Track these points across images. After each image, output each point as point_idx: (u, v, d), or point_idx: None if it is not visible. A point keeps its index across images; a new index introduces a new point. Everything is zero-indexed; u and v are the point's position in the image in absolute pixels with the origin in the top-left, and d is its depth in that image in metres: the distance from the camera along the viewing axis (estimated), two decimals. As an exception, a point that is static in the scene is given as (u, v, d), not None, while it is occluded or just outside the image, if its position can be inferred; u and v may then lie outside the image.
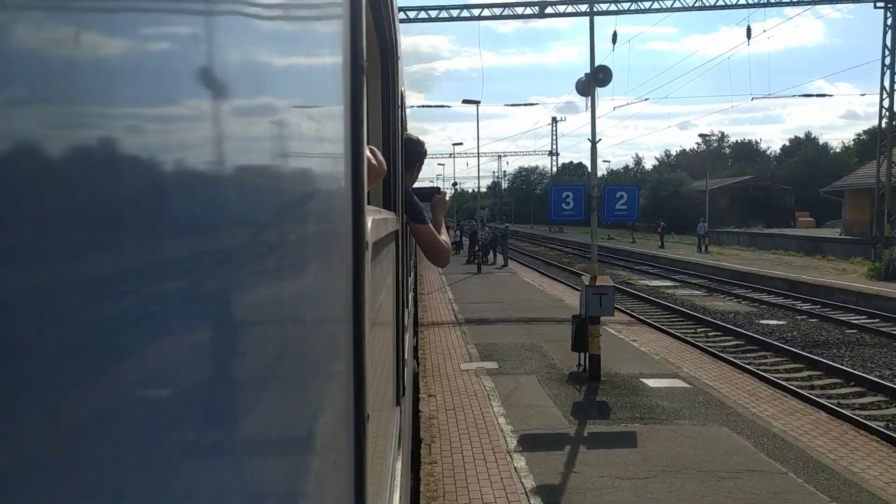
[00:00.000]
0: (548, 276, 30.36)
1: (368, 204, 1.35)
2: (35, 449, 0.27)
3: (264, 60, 0.64)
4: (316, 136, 0.88)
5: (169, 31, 0.41)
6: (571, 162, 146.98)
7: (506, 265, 32.36)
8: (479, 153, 43.07)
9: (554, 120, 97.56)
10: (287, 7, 0.75)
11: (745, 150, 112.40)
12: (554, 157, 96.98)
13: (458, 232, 44.91)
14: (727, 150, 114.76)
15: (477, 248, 32.77)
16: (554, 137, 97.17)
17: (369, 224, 1.33)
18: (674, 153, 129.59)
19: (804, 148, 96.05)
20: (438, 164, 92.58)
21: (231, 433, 0.54)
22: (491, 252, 33.58)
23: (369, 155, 1.88)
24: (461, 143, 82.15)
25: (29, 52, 0.27)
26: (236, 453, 0.56)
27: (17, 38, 0.27)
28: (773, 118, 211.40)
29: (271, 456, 0.65)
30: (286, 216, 0.72)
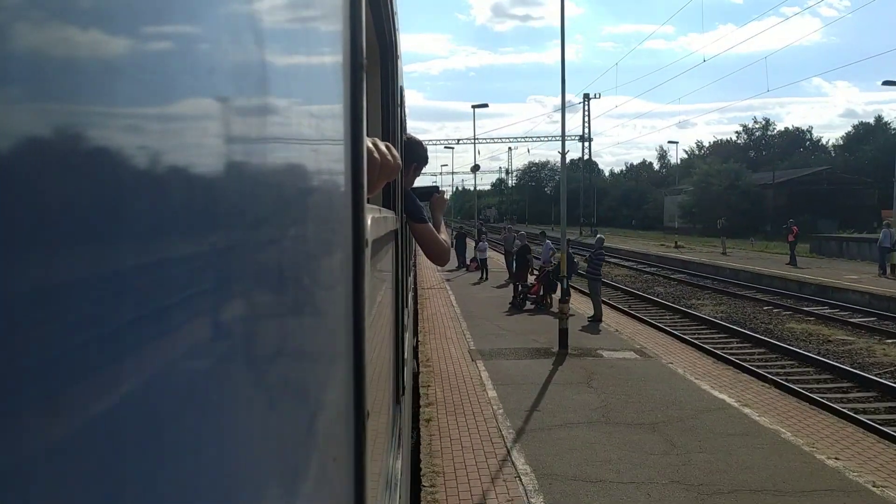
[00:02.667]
0: (756, 373, 12.51)
1: (368, 202, 1.35)
2: (35, 448, 0.27)
3: (263, 58, 0.64)
4: (315, 135, 0.88)
5: (167, 30, 0.42)
6: (581, 158, 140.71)
7: (598, 319, 16.31)
8: (564, 70, 14.67)
9: (586, 97, 78.49)
10: (286, 5, 0.75)
11: (795, 140, 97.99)
12: (585, 144, 79.37)
13: (483, 243, 27.11)
14: (773, 140, 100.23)
15: (534, 277, 19.07)
16: (586, 119, 78.79)
17: (369, 222, 1.33)
18: (707, 144, 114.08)
19: (876, 135, 78.78)
20: (446, 148, 76.02)
21: (230, 431, 0.54)
22: (556, 287, 16.61)
23: (384, 150, 1.83)
24: (486, 105, 46.08)
25: (29, 51, 0.27)
26: (236, 451, 0.56)
27: (18, 37, 0.27)
28: (771, 117, 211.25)
29: (271, 453, 0.66)
30: (285, 214, 0.73)
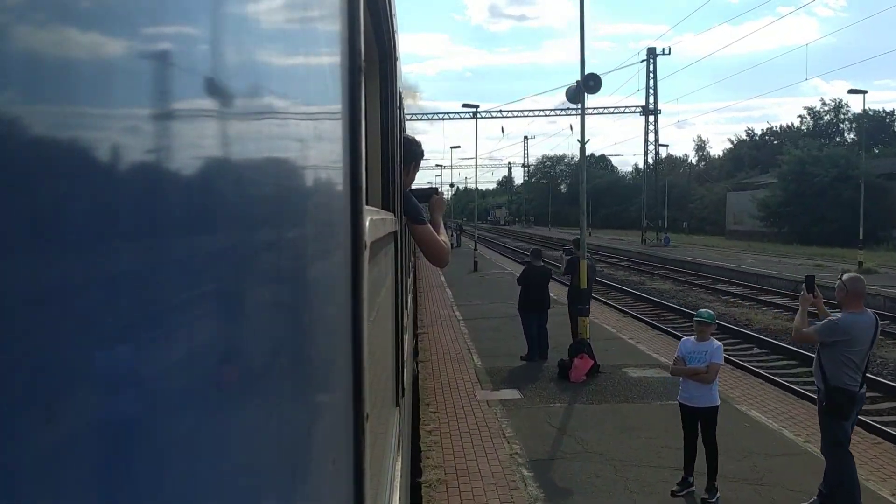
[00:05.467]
0: None
1: (367, 204, 1.35)
2: (34, 448, 0.27)
3: (262, 61, 0.64)
4: (314, 136, 0.88)
5: (168, 32, 0.42)
6: (593, 154, 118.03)
7: None
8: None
9: (651, 54, 52.17)
10: (285, 7, 0.75)
11: (879, 124, 76.67)
12: (651, 118, 52.58)
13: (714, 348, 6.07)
14: (846, 124, 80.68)
15: None
16: (650, 84, 52.02)
17: (367, 224, 1.33)
18: (758, 131, 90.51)
19: None
20: (466, 107, 50.19)
21: (230, 433, 0.54)
22: None
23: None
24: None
25: (29, 52, 0.27)
26: (235, 453, 0.56)
27: (18, 38, 0.27)
28: (769, 117, 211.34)
29: (270, 455, 0.65)
30: (284, 216, 0.73)
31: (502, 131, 61.33)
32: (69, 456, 0.30)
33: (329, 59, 1.02)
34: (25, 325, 0.27)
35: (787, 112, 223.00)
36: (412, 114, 49.16)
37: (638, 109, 54.38)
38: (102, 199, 0.33)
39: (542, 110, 60.48)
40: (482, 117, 52.67)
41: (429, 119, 56.85)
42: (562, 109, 59.46)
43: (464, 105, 33.75)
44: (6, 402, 0.26)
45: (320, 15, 0.96)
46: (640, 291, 23.90)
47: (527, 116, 59.84)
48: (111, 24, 0.34)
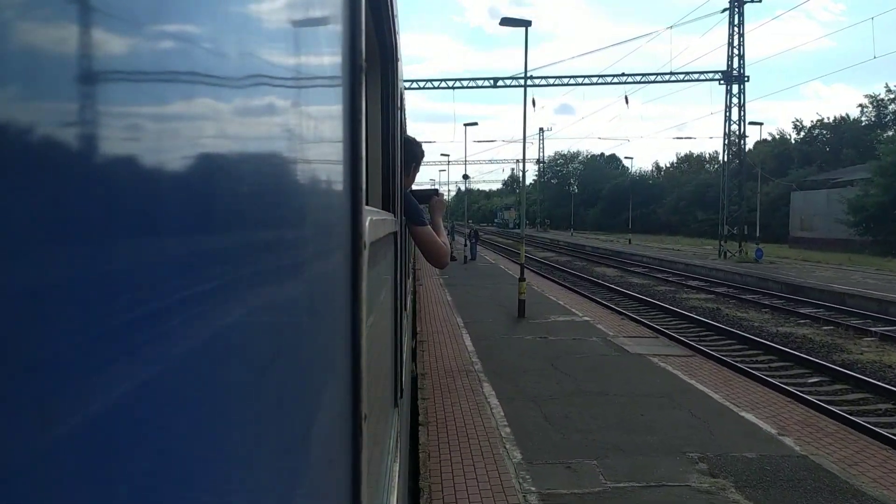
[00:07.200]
0: None
1: (367, 204, 1.35)
2: (32, 449, 0.27)
3: (262, 60, 0.64)
4: (314, 136, 0.88)
5: (167, 30, 0.42)
6: (603, 153, 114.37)
7: None
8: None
9: (737, 1, 36.61)
10: (286, 7, 0.75)
11: None
12: (735, 87, 37.18)
13: None
14: None
15: None
16: (735, 43, 36.51)
17: (367, 224, 1.33)
18: (807, 123, 77.75)
19: None
20: (482, 79, 42.86)
21: (226, 433, 0.54)
22: None
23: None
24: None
25: (29, 51, 0.27)
26: (231, 454, 0.55)
27: (17, 37, 0.27)
28: (768, 121, 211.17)
29: (267, 456, 0.65)
30: (284, 216, 0.73)
31: (533, 104, 48.51)
32: (65, 456, 0.30)
33: (330, 59, 1.02)
34: (25, 325, 0.27)
35: (786, 116, 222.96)
36: (413, 80, 41.97)
37: (717, 76, 38.28)
38: (100, 198, 0.33)
39: (589, 76, 42.09)
40: (516, 86, 40.02)
41: (436, 88, 43.65)
42: (614, 76, 41.95)
43: (503, 20, 20.22)
44: (6, 402, 0.26)
45: (322, 15, 0.96)
46: (865, 375, 11.66)
47: (568, 85, 42.25)
48: (111, 23, 0.34)
